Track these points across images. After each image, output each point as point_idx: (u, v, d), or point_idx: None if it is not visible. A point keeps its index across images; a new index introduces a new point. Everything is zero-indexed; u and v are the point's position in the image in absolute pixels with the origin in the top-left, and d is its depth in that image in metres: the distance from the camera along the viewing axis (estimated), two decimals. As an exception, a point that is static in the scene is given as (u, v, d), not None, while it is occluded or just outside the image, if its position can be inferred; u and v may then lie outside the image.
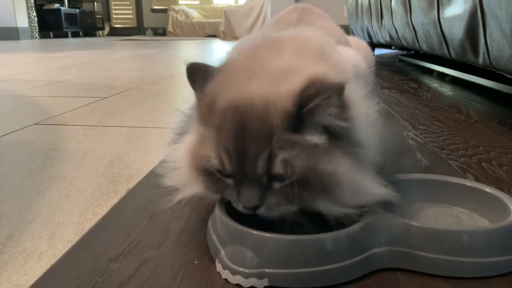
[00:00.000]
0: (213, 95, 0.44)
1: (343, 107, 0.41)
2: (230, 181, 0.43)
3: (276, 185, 0.41)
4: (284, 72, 0.44)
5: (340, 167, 0.42)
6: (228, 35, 6.11)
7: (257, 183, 0.41)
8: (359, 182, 0.43)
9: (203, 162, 0.44)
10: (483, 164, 0.73)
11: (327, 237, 0.40)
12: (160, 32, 8.30)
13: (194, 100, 0.48)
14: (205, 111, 0.44)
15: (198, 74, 0.47)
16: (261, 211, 0.42)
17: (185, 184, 0.48)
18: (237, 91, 0.43)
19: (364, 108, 0.47)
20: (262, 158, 0.40)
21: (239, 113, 0.41)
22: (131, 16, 8.56)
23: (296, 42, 0.51)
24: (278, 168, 0.40)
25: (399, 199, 0.44)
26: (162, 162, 0.52)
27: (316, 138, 0.41)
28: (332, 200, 0.42)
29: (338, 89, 0.40)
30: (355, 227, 0.41)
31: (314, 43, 0.52)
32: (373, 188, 0.44)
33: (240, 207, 0.43)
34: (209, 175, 0.44)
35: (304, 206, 0.43)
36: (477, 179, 0.65)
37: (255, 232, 0.40)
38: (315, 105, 0.40)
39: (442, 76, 1.87)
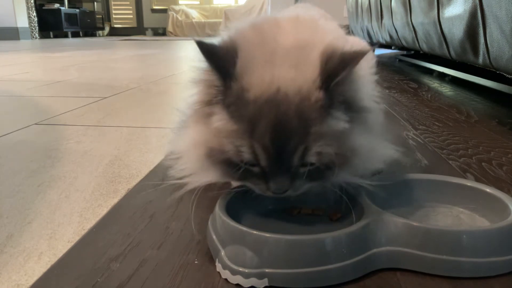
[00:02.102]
0: (241, 82, 0.42)
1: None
2: (257, 169, 0.43)
3: (303, 169, 0.43)
4: (299, 49, 0.45)
5: (357, 139, 0.44)
6: (228, 35, 6.10)
7: (288, 171, 0.42)
8: (373, 148, 0.46)
9: (227, 154, 0.43)
10: (483, 164, 0.73)
11: (327, 237, 0.40)
12: (160, 32, 8.30)
13: (202, 88, 0.47)
14: (233, 100, 0.42)
15: (220, 54, 0.43)
16: (288, 193, 0.44)
17: (195, 173, 0.48)
18: (266, 81, 0.42)
19: (361, 71, 0.48)
20: (298, 151, 0.41)
21: (275, 108, 0.41)
22: (131, 16, 8.56)
23: (297, 18, 0.51)
24: (311, 158, 0.42)
25: (406, 157, 0.49)
26: (169, 154, 0.52)
27: (342, 123, 0.42)
28: (351, 172, 0.45)
29: (362, 55, 0.42)
30: (355, 227, 0.41)
31: (313, 19, 0.54)
32: (385, 150, 0.48)
33: (268, 193, 0.44)
34: (230, 165, 0.44)
35: (326, 182, 0.45)
36: (477, 179, 0.65)
37: (255, 232, 0.40)
38: (340, 79, 0.42)
39: (442, 76, 1.87)
